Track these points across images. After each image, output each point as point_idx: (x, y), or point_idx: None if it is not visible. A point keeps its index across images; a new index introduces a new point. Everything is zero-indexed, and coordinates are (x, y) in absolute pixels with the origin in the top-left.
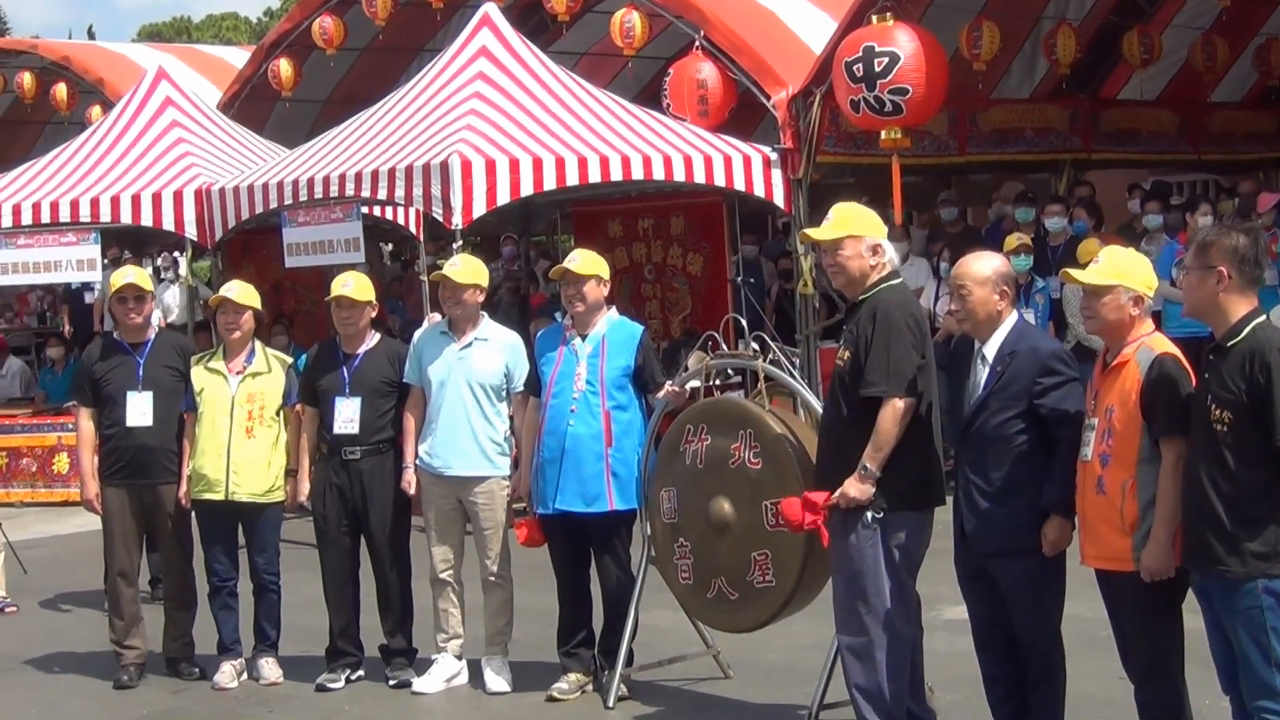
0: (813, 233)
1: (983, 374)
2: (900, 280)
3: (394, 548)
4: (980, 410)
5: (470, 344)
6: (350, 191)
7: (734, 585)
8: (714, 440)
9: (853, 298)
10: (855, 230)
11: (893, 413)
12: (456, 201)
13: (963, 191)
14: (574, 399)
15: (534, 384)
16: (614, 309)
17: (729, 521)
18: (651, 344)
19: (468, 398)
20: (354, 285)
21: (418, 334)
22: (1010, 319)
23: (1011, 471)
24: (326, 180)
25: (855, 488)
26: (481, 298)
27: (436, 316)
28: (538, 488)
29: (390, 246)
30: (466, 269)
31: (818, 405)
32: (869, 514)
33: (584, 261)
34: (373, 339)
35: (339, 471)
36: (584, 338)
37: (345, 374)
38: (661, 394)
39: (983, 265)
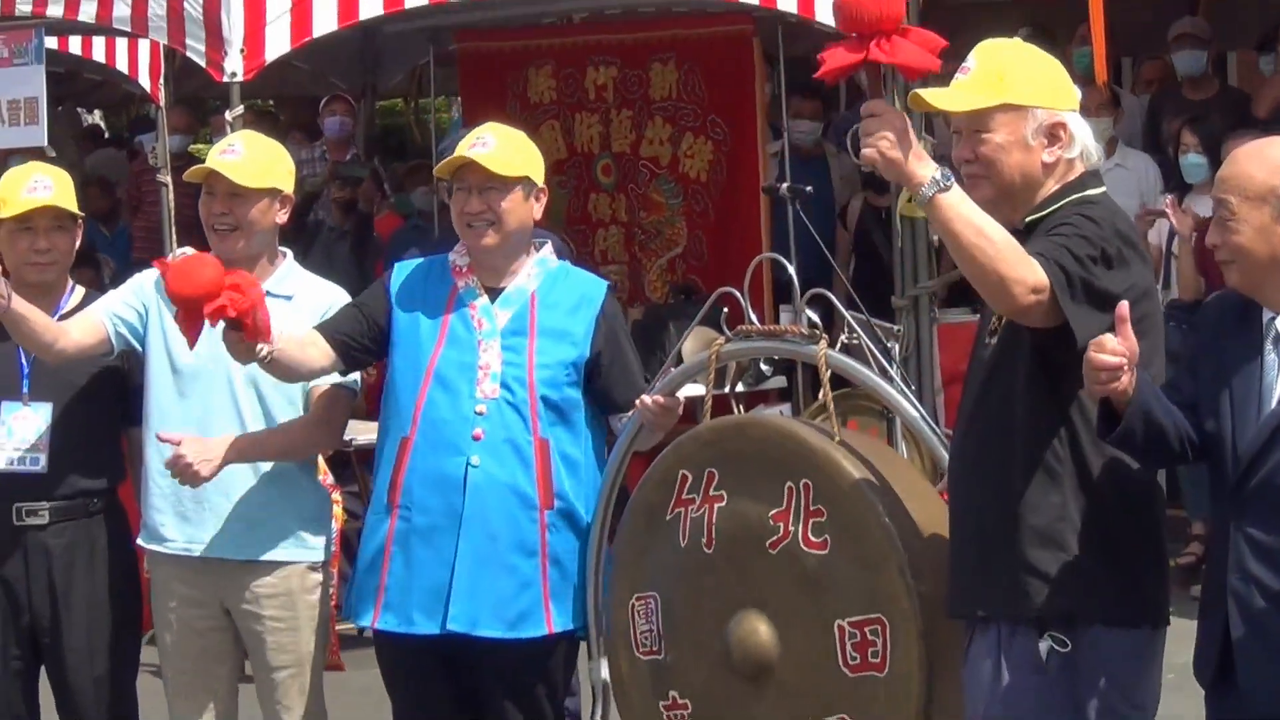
0: (931, 96)
1: (1276, 369)
2: (1100, 191)
3: (111, 699)
4: (1274, 442)
5: None
6: (25, 10)
7: None
8: (735, 501)
9: (1011, 223)
10: (1016, 96)
11: (1024, 270)
12: (234, 30)
13: (1220, 18)
14: (477, 412)
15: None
16: (549, 246)
17: (770, 659)
18: (621, 316)
19: (245, 405)
20: (54, 188)
21: (138, 277)
22: None
23: None
24: None
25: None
26: (283, 217)
27: (189, 250)
28: (384, 583)
29: (97, 117)
30: (254, 159)
31: (939, 442)
32: (1041, 644)
33: (504, 147)
34: (72, 296)
35: (5, 550)
36: (493, 295)
37: (22, 361)
38: (635, 410)
39: (1266, 162)
